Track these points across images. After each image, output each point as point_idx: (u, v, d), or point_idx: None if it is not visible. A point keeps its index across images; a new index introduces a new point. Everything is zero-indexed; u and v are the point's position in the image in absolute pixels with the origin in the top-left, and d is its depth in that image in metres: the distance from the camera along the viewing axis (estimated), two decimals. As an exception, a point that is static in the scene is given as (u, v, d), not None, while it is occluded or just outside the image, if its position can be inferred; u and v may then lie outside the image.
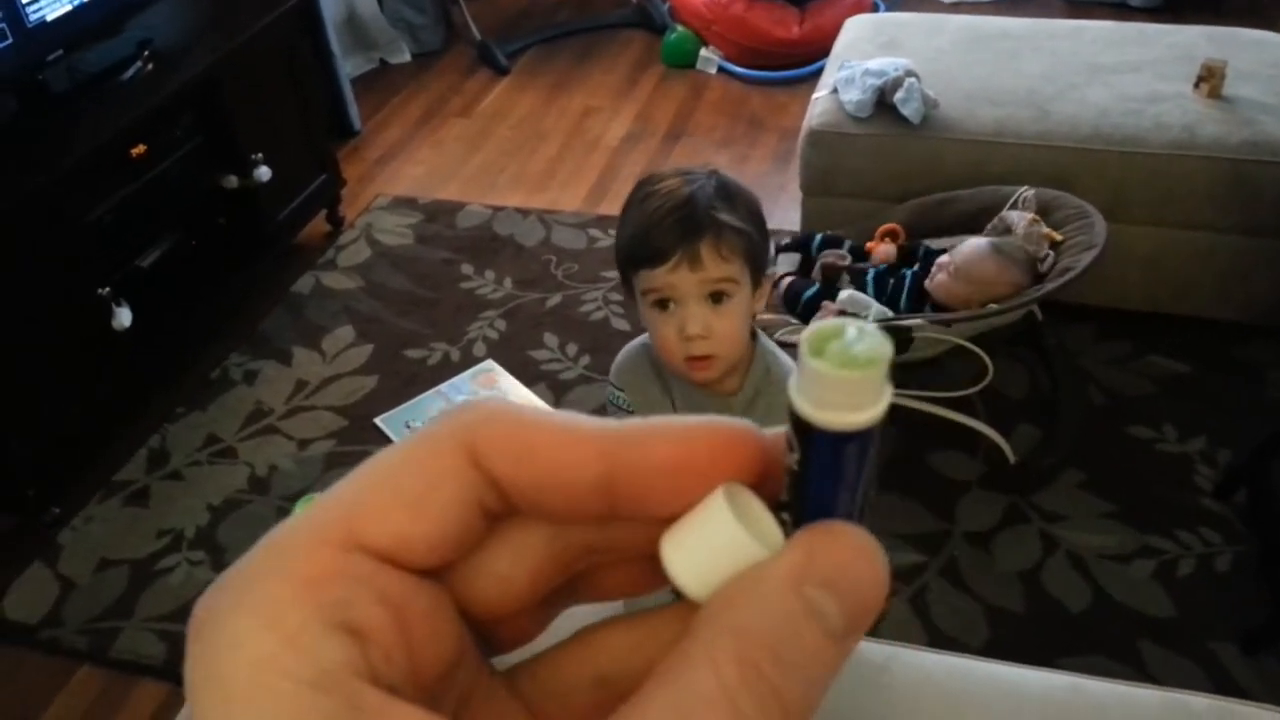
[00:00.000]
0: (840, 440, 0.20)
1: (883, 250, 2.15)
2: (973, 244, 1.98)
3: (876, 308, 1.95)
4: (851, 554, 0.20)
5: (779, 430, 0.22)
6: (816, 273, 2.12)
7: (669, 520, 0.21)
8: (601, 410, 2.22)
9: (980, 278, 1.93)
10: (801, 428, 0.20)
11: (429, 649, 0.21)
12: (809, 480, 0.20)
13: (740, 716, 0.18)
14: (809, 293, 2.04)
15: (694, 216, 1.06)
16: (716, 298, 1.09)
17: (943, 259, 2.01)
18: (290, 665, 0.18)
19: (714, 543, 0.20)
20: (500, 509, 0.22)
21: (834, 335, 0.20)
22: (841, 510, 0.20)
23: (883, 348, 0.19)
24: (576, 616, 0.26)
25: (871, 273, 2.08)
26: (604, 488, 0.21)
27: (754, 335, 1.23)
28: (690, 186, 1.09)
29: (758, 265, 1.12)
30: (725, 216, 1.07)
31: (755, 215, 1.14)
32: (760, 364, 1.20)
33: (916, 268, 2.07)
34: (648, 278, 1.08)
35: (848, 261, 2.12)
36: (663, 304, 1.09)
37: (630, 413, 1.26)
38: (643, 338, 1.26)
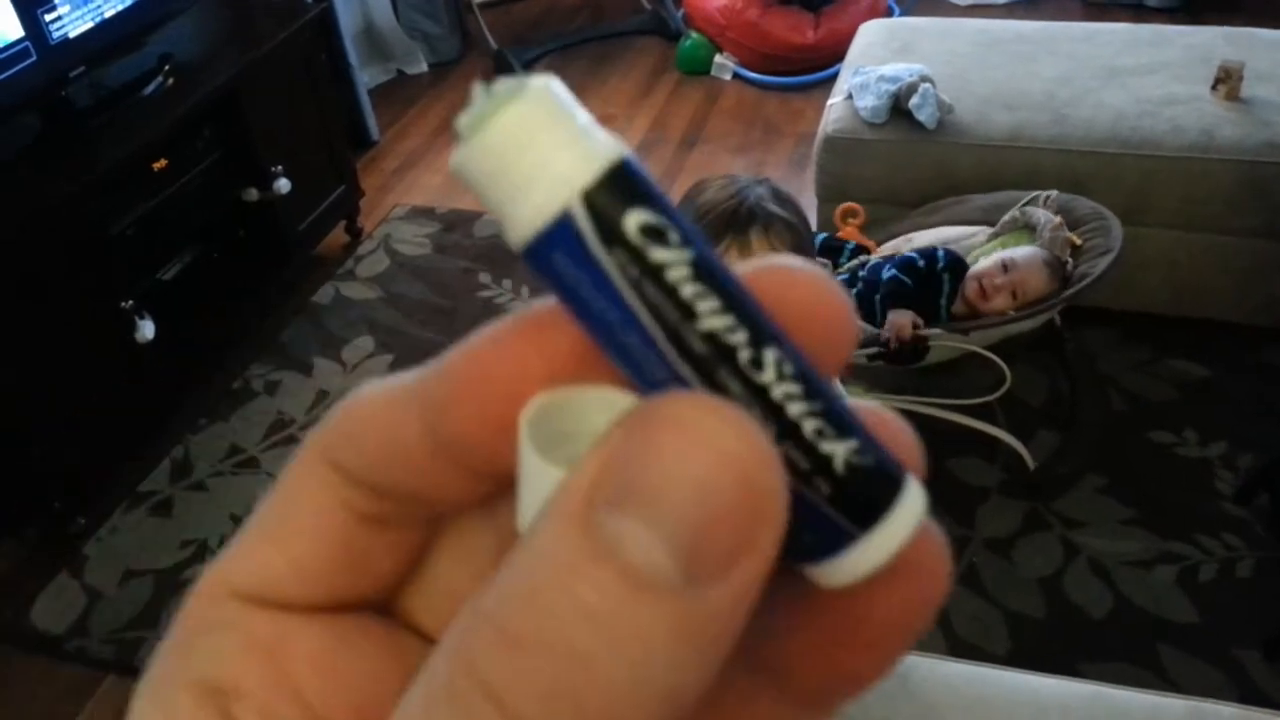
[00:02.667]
0: (541, 253, 0.14)
1: (849, 233, 2.15)
2: (1030, 260, 1.93)
3: (870, 330, 1.94)
4: (674, 440, 0.13)
5: None
6: None
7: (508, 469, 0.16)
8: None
9: (1024, 289, 1.91)
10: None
11: (338, 691, 0.17)
12: (592, 335, 0.14)
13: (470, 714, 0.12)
14: None
15: (745, 206, 1.08)
16: None
17: (999, 279, 1.90)
18: None
19: (525, 473, 0.15)
20: (376, 508, 0.18)
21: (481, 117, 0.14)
22: (659, 372, 0.14)
23: (527, 84, 0.14)
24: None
25: (853, 298, 2.04)
26: (429, 441, 0.16)
27: None
28: (741, 184, 1.11)
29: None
30: (775, 209, 1.09)
31: (803, 218, 1.16)
32: None
33: (947, 277, 2.01)
34: None
35: (827, 269, 2.11)
36: None
37: None
38: None
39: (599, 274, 0.13)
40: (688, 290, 0.13)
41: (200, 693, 0.17)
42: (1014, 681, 1.19)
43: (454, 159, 0.14)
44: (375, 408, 0.17)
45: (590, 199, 0.13)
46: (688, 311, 0.13)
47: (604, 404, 0.14)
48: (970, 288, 1.94)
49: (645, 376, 0.14)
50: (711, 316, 0.13)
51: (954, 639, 1.80)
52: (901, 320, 1.88)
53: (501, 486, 0.16)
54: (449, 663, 0.13)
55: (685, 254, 0.14)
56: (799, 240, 1.11)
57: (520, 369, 0.15)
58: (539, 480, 0.14)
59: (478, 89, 0.14)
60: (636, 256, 0.13)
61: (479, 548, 0.19)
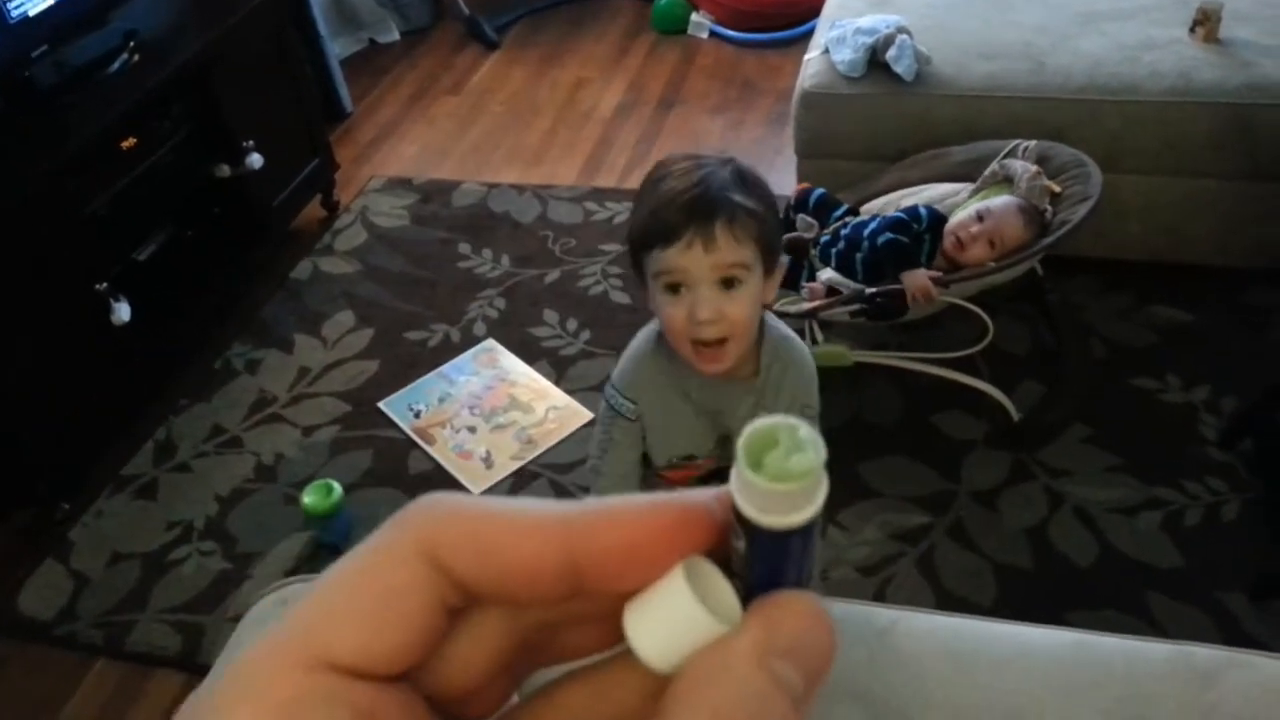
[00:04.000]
0: (783, 536, 0.21)
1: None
2: (1005, 207, 1.91)
3: (854, 286, 1.93)
4: (806, 621, 0.21)
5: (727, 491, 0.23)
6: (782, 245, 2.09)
7: (629, 594, 0.22)
8: (603, 386, 2.22)
9: (1000, 238, 1.88)
10: (745, 524, 0.21)
11: None
12: (757, 564, 0.22)
13: None
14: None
15: (708, 196, 1.04)
16: (728, 283, 1.07)
17: (974, 228, 1.89)
18: None
19: (675, 618, 0.22)
20: (462, 604, 0.22)
21: (770, 444, 0.21)
22: (790, 582, 0.22)
23: (815, 458, 0.21)
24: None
25: (834, 256, 2.03)
26: (566, 574, 0.22)
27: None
28: (705, 169, 1.07)
29: (770, 252, 1.10)
30: (740, 198, 1.05)
31: (769, 202, 1.12)
32: (770, 348, 1.19)
33: (923, 234, 1.99)
34: (660, 259, 1.07)
35: (814, 230, 2.09)
36: (674, 288, 1.08)
37: (633, 421, 1.24)
38: (645, 341, 1.23)
39: (809, 542, 0.22)
40: (813, 549, 0.23)
41: None
42: (997, 632, 1.19)
43: (750, 478, 0.21)
44: (513, 532, 0.22)
45: (815, 514, 0.21)
46: (813, 554, 0.23)
47: (720, 581, 0.22)
48: (948, 242, 1.92)
49: (767, 582, 0.22)
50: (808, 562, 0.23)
51: (941, 591, 1.81)
52: (919, 281, 1.84)
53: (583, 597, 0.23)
54: None
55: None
56: (764, 228, 1.08)
57: (668, 547, 0.22)
58: (685, 614, 0.21)
59: (783, 435, 0.22)
60: (815, 535, 0.22)
61: (487, 627, 0.23)
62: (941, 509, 1.95)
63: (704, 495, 0.23)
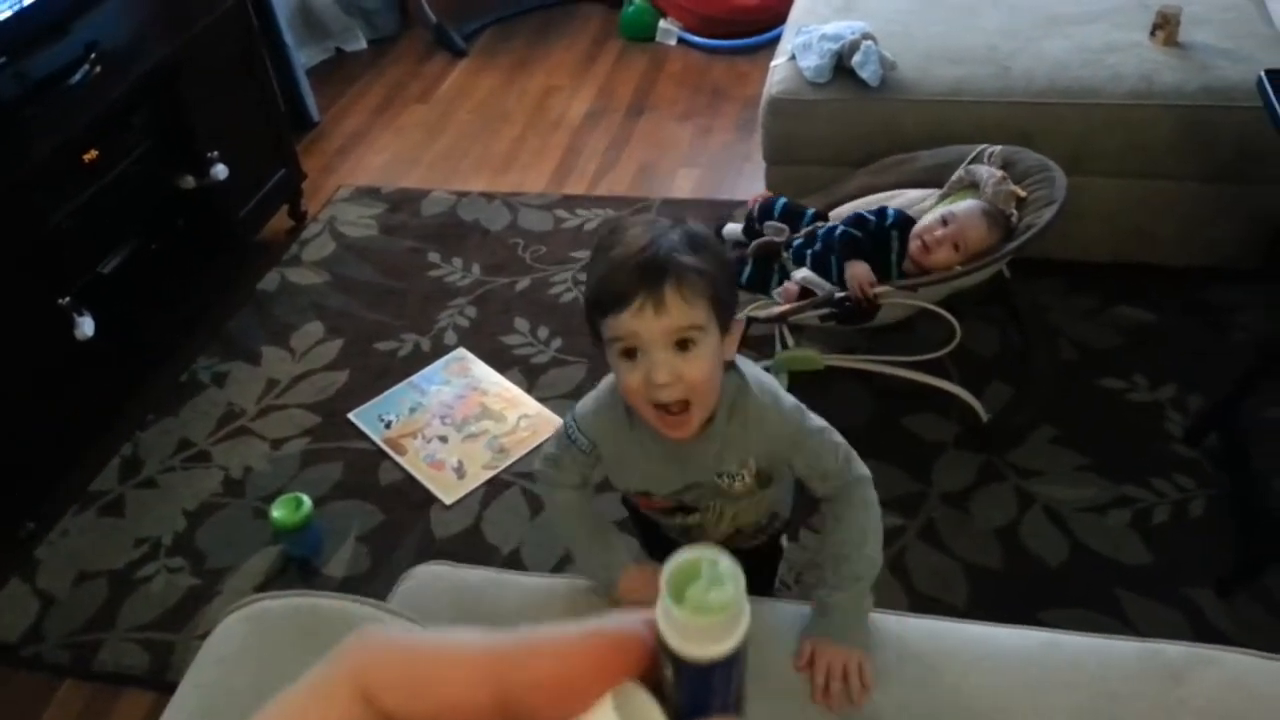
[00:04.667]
0: (706, 667, 0.22)
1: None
2: (968, 211, 1.93)
3: (829, 287, 1.94)
4: None
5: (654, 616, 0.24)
6: (751, 251, 2.09)
7: None
8: (575, 394, 2.21)
9: (964, 241, 1.90)
10: (670, 653, 0.23)
11: None
12: (683, 691, 0.23)
13: None
14: (744, 276, 2.02)
15: (656, 259, 1.03)
16: (683, 345, 1.05)
17: (923, 224, 1.94)
18: None
19: None
20: None
21: (692, 577, 0.23)
22: (715, 708, 0.23)
23: (734, 592, 0.22)
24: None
25: (809, 257, 2.04)
26: (497, 705, 0.23)
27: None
28: (653, 232, 1.06)
29: (725, 310, 1.09)
30: (688, 259, 1.04)
31: (721, 261, 1.11)
32: (726, 409, 1.16)
33: (894, 231, 2.00)
34: (613, 325, 1.05)
35: (784, 235, 2.10)
36: (629, 353, 1.07)
37: (587, 454, 1.23)
38: (610, 388, 1.22)
39: (733, 671, 0.23)
40: (739, 676, 0.24)
41: None
42: (968, 633, 1.20)
43: (673, 612, 0.22)
44: (444, 669, 0.23)
45: (736, 645, 0.23)
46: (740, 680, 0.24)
47: (650, 707, 0.23)
48: (914, 246, 1.93)
49: (694, 709, 0.23)
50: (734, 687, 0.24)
51: (914, 594, 1.82)
52: (859, 270, 1.88)
53: None
54: None
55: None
56: (715, 287, 1.06)
57: (597, 677, 0.23)
58: None
59: (705, 567, 0.23)
60: (741, 664, 0.23)
61: None
62: (913, 511, 1.96)
63: (635, 622, 0.23)
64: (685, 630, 0.22)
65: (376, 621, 1.12)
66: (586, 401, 1.26)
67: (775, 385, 1.22)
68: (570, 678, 0.23)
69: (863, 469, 1.21)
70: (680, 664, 0.22)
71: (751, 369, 1.21)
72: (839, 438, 1.21)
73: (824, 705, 1.13)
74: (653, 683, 0.23)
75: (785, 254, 2.07)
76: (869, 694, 1.12)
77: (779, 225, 2.14)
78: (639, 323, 1.04)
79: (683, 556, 0.23)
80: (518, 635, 0.23)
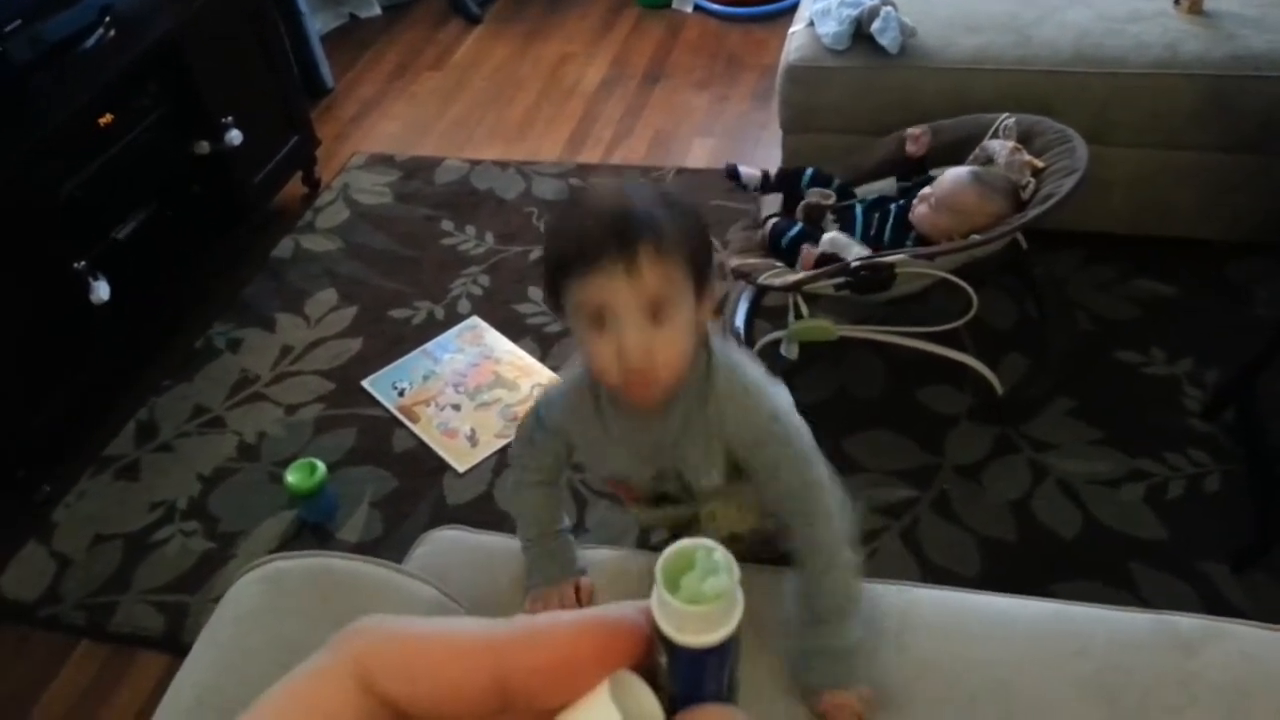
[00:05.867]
0: (700, 654, 0.23)
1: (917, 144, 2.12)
2: (953, 174, 1.96)
3: (857, 249, 1.93)
4: None
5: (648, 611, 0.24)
6: (800, 213, 2.10)
7: (558, 710, 0.23)
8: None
9: (962, 207, 1.91)
10: (665, 641, 0.23)
11: None
12: (678, 678, 0.24)
13: None
14: (791, 233, 2.02)
15: (631, 218, 0.94)
16: (656, 316, 0.96)
17: (924, 190, 1.99)
18: None
19: None
20: None
21: (686, 567, 0.23)
22: (710, 695, 0.24)
23: (728, 581, 0.23)
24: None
25: (859, 207, 2.06)
26: (495, 693, 0.23)
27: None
28: (626, 188, 1.00)
29: (701, 278, 1.00)
30: (665, 221, 0.95)
31: (698, 225, 1.02)
32: (693, 387, 1.07)
33: (902, 201, 2.05)
34: (580, 288, 0.96)
35: (831, 200, 2.10)
36: (598, 321, 0.97)
37: (555, 435, 1.18)
38: (578, 370, 1.14)
39: (727, 658, 0.23)
40: (733, 663, 0.24)
41: None
42: (979, 604, 1.19)
43: (668, 600, 0.23)
44: (444, 654, 0.23)
45: (730, 633, 0.23)
46: (731, 681, 0.25)
47: (645, 694, 0.23)
48: (913, 215, 1.96)
49: (688, 694, 0.23)
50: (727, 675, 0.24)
51: (927, 565, 1.82)
52: (808, 253, 1.95)
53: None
54: None
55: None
56: (692, 254, 0.98)
57: (595, 663, 0.23)
58: None
59: (700, 557, 0.23)
60: (734, 651, 0.24)
61: None
62: (926, 483, 1.95)
63: (630, 611, 0.24)
64: (680, 618, 0.23)
65: (388, 584, 1.12)
66: (553, 389, 1.20)
67: (756, 376, 1.11)
68: (568, 664, 0.23)
69: (828, 500, 1.08)
70: (675, 651, 0.23)
71: (727, 352, 1.11)
72: (830, 497, 1.09)
73: None
74: (648, 671, 0.24)
75: (830, 216, 2.07)
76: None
77: (825, 191, 2.13)
78: (610, 288, 0.94)
79: (677, 546, 0.23)
80: (516, 623, 0.24)
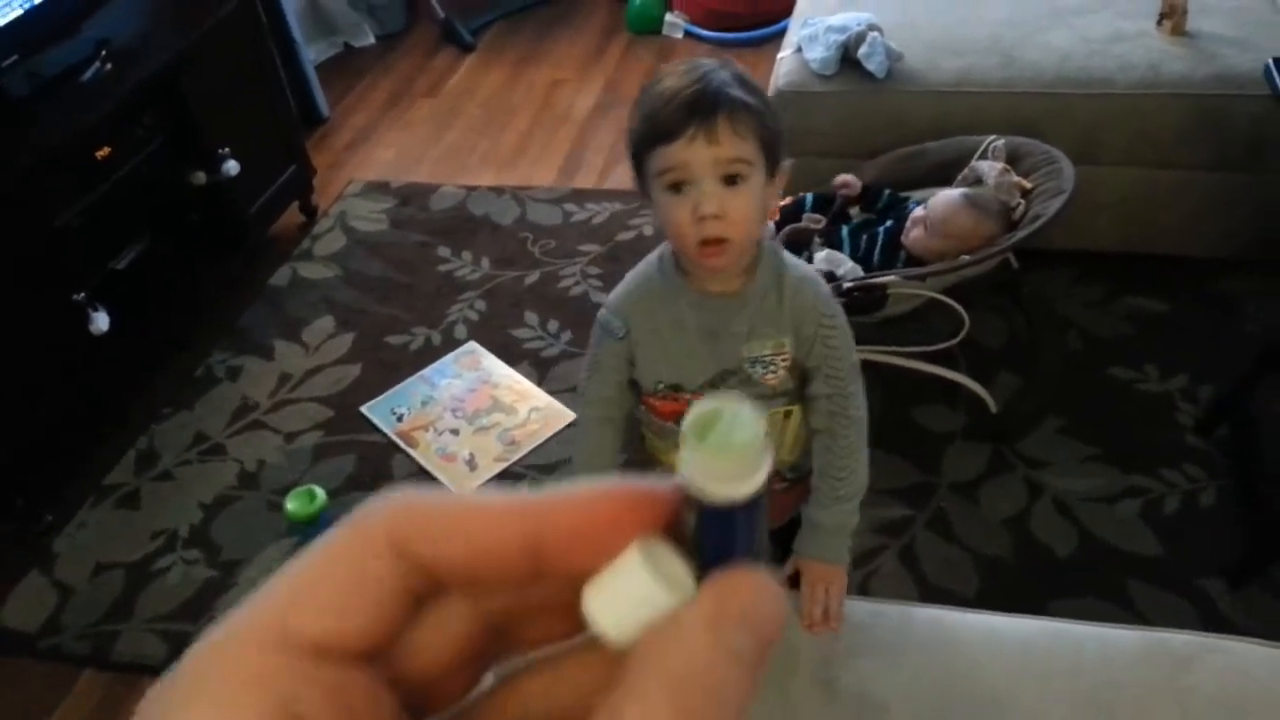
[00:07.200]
0: (729, 509, 0.22)
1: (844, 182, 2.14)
2: (946, 197, 1.98)
3: (850, 265, 1.96)
4: (755, 594, 0.22)
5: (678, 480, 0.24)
6: (783, 237, 2.11)
7: (589, 575, 0.23)
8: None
9: (957, 231, 1.92)
10: (694, 500, 0.23)
11: None
12: (707, 538, 0.23)
13: None
14: None
15: (709, 91, 1.05)
16: (731, 180, 1.07)
17: (917, 213, 2.01)
18: None
19: (631, 594, 0.23)
20: (428, 590, 0.23)
21: (714, 420, 0.23)
22: (740, 554, 0.23)
23: (755, 430, 0.22)
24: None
25: (845, 230, 2.09)
26: (528, 554, 0.23)
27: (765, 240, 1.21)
28: (704, 68, 1.09)
29: (772, 152, 1.10)
30: (740, 94, 1.06)
31: (771, 107, 1.12)
32: (768, 266, 1.17)
33: (890, 223, 2.07)
34: (662, 156, 1.06)
35: (821, 224, 2.12)
36: (676, 186, 1.08)
37: (620, 339, 1.22)
38: (645, 263, 1.23)
39: (756, 515, 0.23)
40: (760, 523, 0.24)
41: (282, 716, 0.20)
42: (974, 622, 1.21)
43: (698, 451, 0.22)
44: (475, 514, 0.23)
45: (759, 486, 0.23)
46: (761, 528, 0.24)
47: (673, 560, 0.23)
48: (906, 238, 1.98)
49: (719, 556, 0.23)
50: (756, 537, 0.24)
51: (925, 584, 1.83)
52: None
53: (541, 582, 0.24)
54: (639, 713, 0.20)
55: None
56: (765, 125, 1.08)
57: (625, 525, 0.23)
58: (641, 589, 0.23)
59: (725, 413, 0.23)
60: (762, 508, 0.23)
61: (451, 614, 0.24)
62: (922, 502, 1.97)
63: (658, 480, 0.24)
64: (710, 469, 0.22)
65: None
66: (618, 287, 1.26)
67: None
68: (598, 527, 0.23)
69: (860, 385, 1.23)
70: (704, 509, 0.23)
71: (777, 244, 1.24)
72: (861, 385, 1.23)
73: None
74: (675, 538, 0.23)
75: (817, 240, 2.09)
76: (841, 619, 1.21)
77: (816, 216, 2.15)
78: (689, 153, 1.05)
79: (705, 403, 0.23)
80: (544, 489, 0.24)
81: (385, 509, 0.23)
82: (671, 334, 1.20)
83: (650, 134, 1.07)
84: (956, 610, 1.25)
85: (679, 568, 0.23)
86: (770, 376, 1.20)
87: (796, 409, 1.25)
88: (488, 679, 0.26)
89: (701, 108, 1.04)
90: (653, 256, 1.23)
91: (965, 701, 1.11)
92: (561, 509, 0.23)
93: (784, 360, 1.19)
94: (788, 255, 1.21)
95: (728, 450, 0.22)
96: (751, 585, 0.22)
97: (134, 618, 1.93)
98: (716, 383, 1.21)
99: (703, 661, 0.21)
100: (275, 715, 0.20)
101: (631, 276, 1.25)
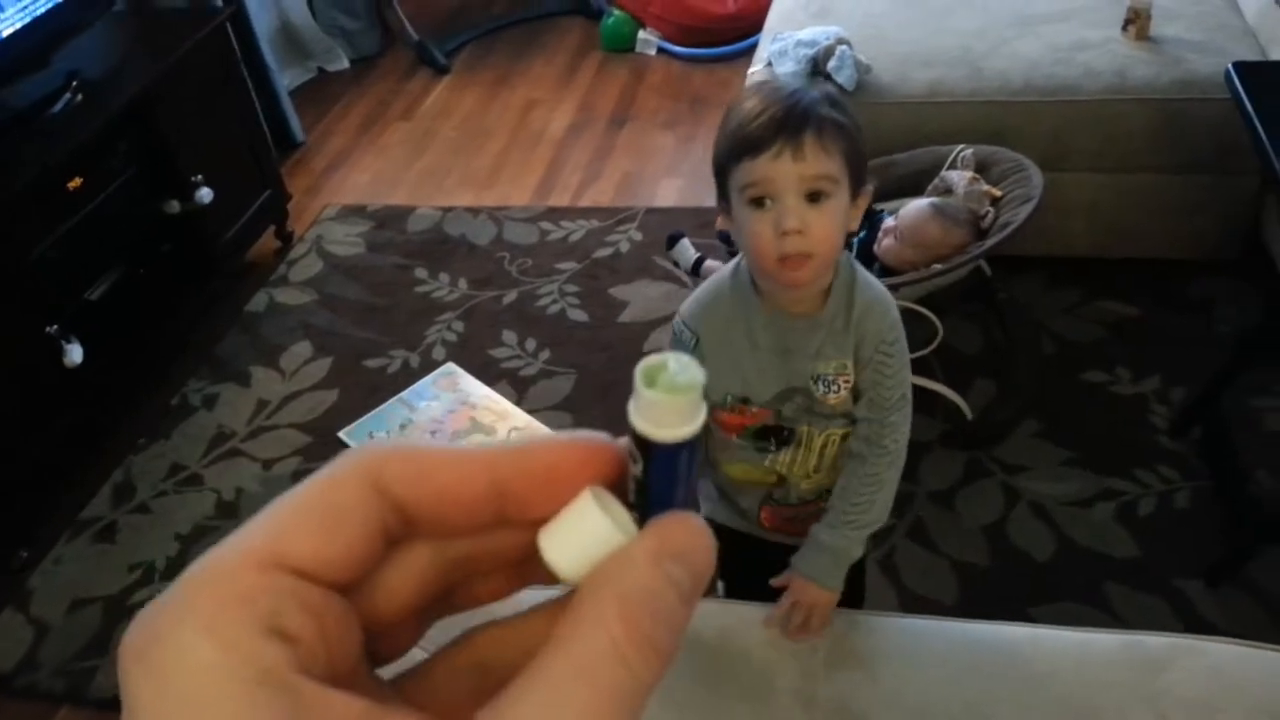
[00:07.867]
0: (674, 449, 0.25)
1: None
2: (915, 207, 1.99)
3: None
4: (692, 535, 0.25)
5: (623, 441, 0.26)
6: None
7: (543, 522, 0.26)
8: (564, 405, 2.22)
9: (926, 240, 1.94)
10: (642, 444, 0.25)
11: (342, 652, 0.24)
12: (652, 483, 0.25)
13: (628, 664, 0.22)
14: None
15: (799, 108, 1.05)
16: (814, 197, 1.06)
17: (888, 223, 2.02)
18: (235, 667, 0.21)
19: (584, 532, 0.25)
20: (400, 532, 0.26)
21: (661, 369, 0.25)
22: (679, 502, 0.26)
23: (697, 376, 0.25)
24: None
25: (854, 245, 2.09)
26: (493, 496, 0.26)
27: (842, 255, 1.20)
28: (793, 87, 1.10)
29: (857, 173, 1.10)
30: (830, 112, 1.06)
31: (858, 129, 1.12)
32: (843, 287, 1.16)
33: (863, 234, 2.09)
34: (747, 170, 1.06)
35: None
36: (759, 201, 1.07)
37: (690, 351, 1.20)
38: (720, 275, 1.22)
39: (695, 458, 0.26)
40: (696, 468, 0.26)
41: (271, 636, 0.22)
42: (952, 630, 1.21)
43: (647, 394, 0.24)
44: (447, 459, 0.26)
45: (699, 428, 0.25)
46: (695, 475, 0.27)
47: (619, 508, 0.26)
48: (878, 248, 1.99)
49: (661, 501, 0.25)
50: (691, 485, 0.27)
51: (904, 592, 1.83)
52: None
53: (502, 528, 0.26)
54: (593, 629, 0.23)
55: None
56: (851, 146, 1.08)
57: (580, 471, 0.26)
58: (593, 528, 0.25)
59: (671, 362, 0.25)
60: (699, 452, 0.25)
61: (414, 558, 0.26)
62: (900, 510, 1.97)
63: (607, 437, 0.27)
64: (658, 411, 0.24)
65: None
66: (693, 295, 1.25)
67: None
68: (556, 470, 0.26)
69: (906, 418, 1.21)
70: (650, 450, 0.25)
71: (855, 261, 1.21)
72: (909, 388, 1.21)
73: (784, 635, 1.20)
74: (619, 491, 0.26)
75: None
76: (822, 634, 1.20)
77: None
78: (774, 168, 1.05)
79: (652, 357, 0.25)
80: (510, 440, 0.27)
81: (368, 452, 0.25)
82: (743, 348, 1.20)
83: (735, 148, 1.07)
84: (935, 619, 1.25)
85: (623, 514, 0.26)
86: (832, 396, 1.19)
87: (850, 421, 1.24)
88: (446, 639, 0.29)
89: (790, 124, 1.04)
90: (726, 269, 1.23)
91: (945, 710, 1.11)
92: (525, 456, 0.26)
93: (846, 381, 1.18)
94: (862, 274, 1.19)
95: (674, 394, 0.24)
96: (687, 527, 0.25)
97: (112, 653, 1.91)
98: (783, 398, 1.21)
99: (649, 587, 0.24)
100: (260, 628, 0.22)
101: (704, 288, 1.24)
